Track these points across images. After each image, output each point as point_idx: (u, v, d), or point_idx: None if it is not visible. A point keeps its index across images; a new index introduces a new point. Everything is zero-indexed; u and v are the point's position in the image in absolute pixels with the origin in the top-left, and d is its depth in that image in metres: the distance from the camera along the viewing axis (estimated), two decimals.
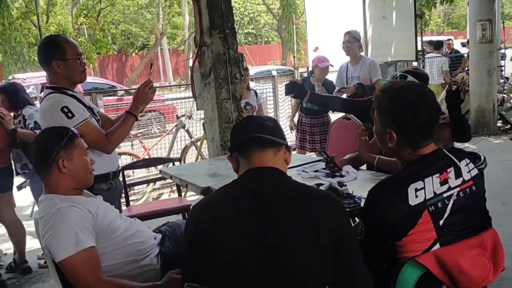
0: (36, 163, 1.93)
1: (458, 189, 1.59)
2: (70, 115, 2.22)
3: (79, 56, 2.38)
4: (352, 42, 4.79)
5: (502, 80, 8.19)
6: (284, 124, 7.04)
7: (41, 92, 4.08)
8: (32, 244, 4.04)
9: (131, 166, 4.24)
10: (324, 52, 6.77)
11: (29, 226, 4.13)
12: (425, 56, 8.23)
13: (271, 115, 6.85)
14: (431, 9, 9.34)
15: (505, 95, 7.65)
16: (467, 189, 1.61)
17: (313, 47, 6.72)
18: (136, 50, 26.35)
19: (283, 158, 1.50)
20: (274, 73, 12.62)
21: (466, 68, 8.68)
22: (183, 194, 4.22)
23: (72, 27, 19.87)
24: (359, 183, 2.44)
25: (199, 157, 5.32)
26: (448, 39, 10.56)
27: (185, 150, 5.84)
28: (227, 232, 1.35)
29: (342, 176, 2.51)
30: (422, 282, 1.54)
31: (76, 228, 1.77)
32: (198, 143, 5.69)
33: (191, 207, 1.53)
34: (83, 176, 1.95)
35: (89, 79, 12.16)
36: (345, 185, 2.27)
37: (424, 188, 1.55)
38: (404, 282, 1.57)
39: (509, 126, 7.57)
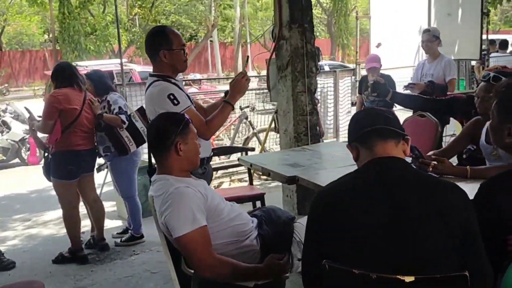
0: (155, 145, 2.07)
1: None
2: (176, 102, 2.36)
3: (183, 47, 2.51)
4: (432, 41, 4.72)
5: None
6: (344, 119, 7.06)
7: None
8: (107, 223, 4.28)
9: None
10: (386, 49, 6.75)
11: None
12: (491, 56, 7.99)
13: (331, 110, 6.87)
14: (497, 7, 9.05)
15: None
16: None
17: (375, 43, 6.68)
18: (185, 41, 26.78)
19: (402, 149, 1.56)
20: (326, 68, 12.62)
21: None
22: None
23: (127, 17, 20.42)
24: None
25: (263, 149, 5.43)
26: None
27: (246, 141, 5.97)
28: (357, 215, 1.43)
29: None
30: None
31: (193, 207, 1.90)
32: (260, 135, 5.80)
33: (318, 192, 1.61)
34: (195, 158, 2.09)
35: (144, 68, 12.56)
36: None
37: None
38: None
39: None
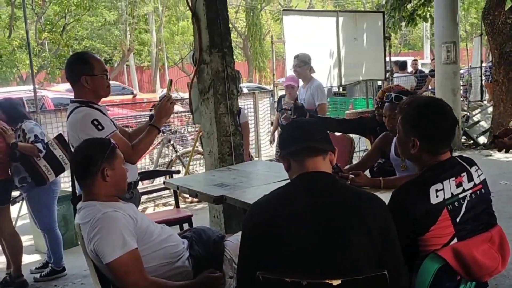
0: (80, 171, 2.04)
1: (470, 191, 1.83)
2: (100, 127, 2.34)
3: (105, 72, 2.50)
4: (301, 66, 4.88)
5: (461, 99, 8.77)
6: (264, 139, 7.27)
7: None
8: (24, 258, 4.02)
9: None
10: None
11: None
12: (394, 76, 8.70)
13: (252, 131, 7.05)
14: (397, 32, 9.91)
15: (468, 113, 8.19)
16: (478, 192, 1.85)
17: (290, 66, 6.99)
18: None
19: (329, 159, 1.69)
20: (245, 90, 12.92)
21: (430, 87, 9.22)
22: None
23: (35, 41, 19.44)
24: None
25: (187, 171, 5.43)
26: (414, 60, 11.20)
27: (170, 164, 5.94)
28: (288, 226, 1.53)
29: None
30: (440, 273, 1.75)
31: (122, 230, 1.89)
32: (183, 158, 5.80)
33: (251, 206, 1.68)
34: (122, 184, 2.08)
35: (56, 94, 12.01)
36: None
37: (443, 189, 1.79)
38: (424, 273, 1.78)
39: (472, 141, 8.10)
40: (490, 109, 8.25)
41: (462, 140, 8.04)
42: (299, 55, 4.99)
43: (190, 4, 3.89)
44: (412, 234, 1.79)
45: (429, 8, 9.20)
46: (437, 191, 1.78)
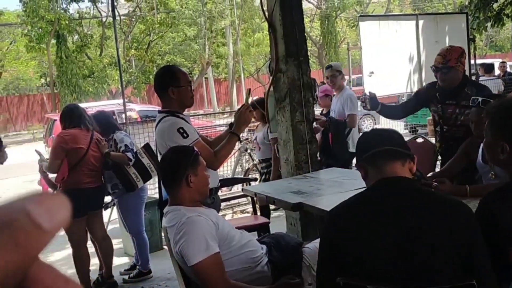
0: (167, 177, 2.18)
1: None
2: (185, 135, 2.48)
3: (189, 84, 2.66)
4: (336, 76, 4.79)
5: None
6: None
7: None
8: (114, 260, 4.32)
9: None
10: (378, 77, 6.96)
11: None
12: (479, 79, 8.23)
13: None
14: (482, 33, 9.37)
15: None
16: None
17: (368, 72, 6.88)
18: None
19: (408, 167, 1.66)
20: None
21: None
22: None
23: (123, 58, 20.85)
24: None
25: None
26: (502, 62, 10.49)
27: (247, 172, 6.07)
28: (370, 232, 1.52)
29: None
30: None
31: (206, 235, 1.99)
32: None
33: (329, 211, 1.70)
34: (205, 189, 2.19)
35: (143, 107, 12.76)
36: None
37: None
38: None
39: None
40: None
41: None
42: (333, 65, 4.93)
43: (267, 15, 4.00)
44: (502, 244, 1.70)
45: None
46: None
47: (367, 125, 12.44)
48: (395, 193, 1.58)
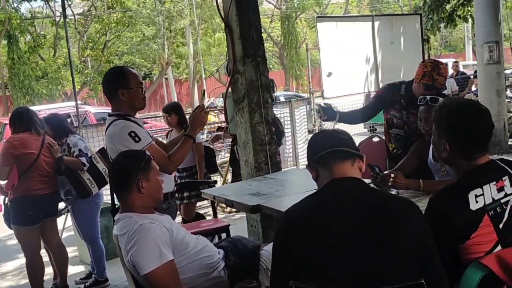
0: (117, 183, 2.10)
1: None
2: (137, 139, 2.40)
3: (141, 85, 2.57)
4: None
5: (507, 100, 8.42)
6: (302, 147, 7.24)
7: None
8: (69, 269, 4.16)
9: None
10: (337, 77, 7.06)
11: None
12: None
13: (289, 139, 7.05)
14: (436, 33, 9.67)
15: None
16: None
17: (326, 73, 6.97)
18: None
19: (357, 167, 1.67)
20: (282, 98, 12.93)
21: (474, 89, 8.91)
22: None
23: (79, 59, 20.27)
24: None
25: (225, 181, 5.47)
26: (455, 62, 10.86)
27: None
28: (321, 234, 1.50)
29: None
30: (485, 283, 1.67)
31: (159, 242, 1.93)
32: (221, 168, 5.85)
33: (282, 214, 1.68)
34: (158, 195, 2.12)
35: (98, 109, 12.44)
36: None
37: (483, 194, 1.71)
38: (467, 283, 1.70)
39: None
40: None
41: (510, 143, 7.71)
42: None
43: (223, 16, 3.95)
44: (453, 242, 1.73)
45: (469, 8, 8.93)
46: (476, 196, 1.71)
47: (327, 124, 12.53)
48: (345, 194, 1.58)
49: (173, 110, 4.62)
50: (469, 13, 9.01)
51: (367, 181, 2.64)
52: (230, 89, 4.02)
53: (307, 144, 1.77)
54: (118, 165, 2.11)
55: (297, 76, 26.39)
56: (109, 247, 4.27)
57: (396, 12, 28.83)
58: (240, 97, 3.95)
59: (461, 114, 1.79)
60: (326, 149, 1.63)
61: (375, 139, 3.94)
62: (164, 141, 3.02)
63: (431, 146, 2.86)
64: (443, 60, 13.69)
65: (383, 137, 3.99)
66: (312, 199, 1.63)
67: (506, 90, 8.67)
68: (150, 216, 2.06)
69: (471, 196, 1.71)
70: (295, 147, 7.08)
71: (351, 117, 3.54)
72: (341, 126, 4.67)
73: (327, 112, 3.34)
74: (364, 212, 1.53)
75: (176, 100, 24.06)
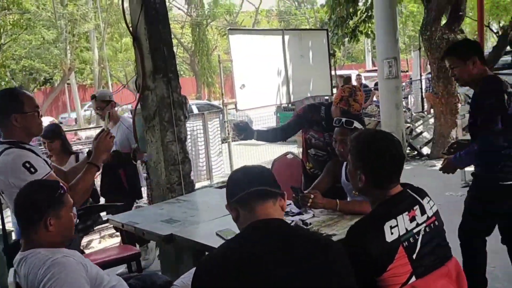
0: (21, 217, 1.86)
1: (424, 224, 1.80)
2: (32, 170, 2.14)
3: (37, 109, 2.31)
4: (103, 108, 4.30)
5: (404, 110, 9.05)
6: (216, 160, 7.14)
7: None
8: None
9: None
10: (250, 89, 7.06)
11: None
12: None
13: (202, 152, 6.91)
14: (341, 48, 10.13)
15: (411, 125, 8.45)
16: (431, 224, 1.82)
17: (239, 84, 6.94)
18: (39, 86, 25.04)
19: (280, 205, 1.60)
20: (194, 107, 12.76)
21: (375, 99, 9.44)
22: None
23: None
24: (321, 221, 2.59)
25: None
26: (358, 75, 11.48)
27: None
28: (244, 284, 1.41)
29: (302, 214, 2.65)
30: None
31: (78, 277, 1.73)
32: None
33: (198, 264, 1.54)
34: (68, 232, 1.92)
35: None
36: (310, 224, 2.41)
37: (397, 225, 1.74)
38: None
39: (416, 152, 8.35)
40: (431, 120, 8.55)
41: (407, 151, 8.27)
42: (97, 95, 4.45)
43: (131, 29, 3.74)
44: (370, 275, 1.73)
45: (369, 25, 9.47)
46: (391, 227, 1.73)
47: None
48: (268, 239, 1.50)
49: (55, 135, 4.01)
50: (370, 29, 9.57)
51: (289, 203, 2.64)
52: (139, 106, 3.82)
53: (226, 182, 1.67)
54: (24, 198, 1.85)
55: (209, 84, 26.31)
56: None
57: (303, 24, 30.02)
58: (150, 114, 3.76)
59: (375, 146, 1.82)
60: (247, 189, 1.55)
61: (289, 156, 3.96)
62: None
63: (344, 166, 2.93)
64: (347, 72, 14.42)
65: (297, 155, 4.05)
66: (231, 246, 1.53)
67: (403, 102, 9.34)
68: (61, 250, 1.85)
69: (387, 227, 1.72)
70: (209, 160, 6.96)
71: (270, 136, 3.52)
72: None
73: (244, 132, 3.28)
74: (287, 257, 1.46)
75: (79, 106, 22.80)
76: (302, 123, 3.34)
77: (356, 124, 2.75)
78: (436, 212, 1.87)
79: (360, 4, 9.48)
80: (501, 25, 11.04)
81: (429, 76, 9.74)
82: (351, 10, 9.18)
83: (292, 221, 2.50)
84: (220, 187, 6.61)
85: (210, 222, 2.80)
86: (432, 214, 1.84)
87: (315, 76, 7.97)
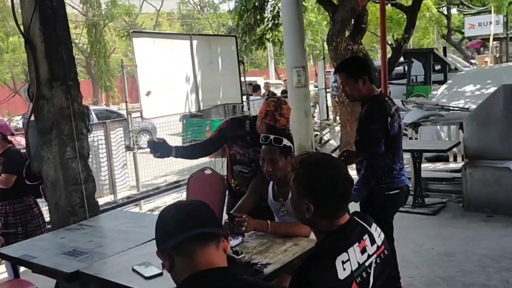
0: None
1: (375, 256, 1.65)
2: None
3: None
4: None
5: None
6: (120, 173, 6.61)
7: None
8: None
9: None
10: (156, 97, 6.65)
11: None
12: (249, 99, 8.76)
13: (105, 165, 6.34)
14: (248, 55, 10.07)
15: (319, 133, 8.62)
16: (381, 254, 1.68)
17: (145, 91, 6.50)
18: None
19: (222, 248, 1.34)
20: (93, 115, 11.85)
21: None
22: None
23: None
24: (251, 247, 2.36)
25: None
26: (266, 82, 11.51)
27: None
28: None
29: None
30: None
31: None
32: None
33: None
34: None
35: None
36: (242, 254, 2.17)
37: (349, 259, 1.57)
38: None
39: None
40: (337, 128, 8.82)
41: None
42: None
43: (22, 30, 3.22)
44: None
45: (276, 33, 9.53)
46: (343, 263, 1.55)
47: (144, 141, 11.82)
48: None
49: None
50: (277, 37, 9.62)
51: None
52: (32, 118, 3.30)
53: (156, 223, 1.35)
54: None
55: (107, 87, 24.89)
56: None
57: (206, 28, 29.84)
58: (46, 127, 3.27)
59: (322, 172, 1.64)
60: (183, 233, 1.26)
61: (208, 172, 3.68)
62: None
63: (270, 185, 2.74)
64: (253, 79, 14.52)
65: (215, 170, 3.78)
66: None
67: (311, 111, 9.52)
68: None
69: (338, 263, 1.54)
70: (112, 173, 6.39)
71: (189, 153, 3.20)
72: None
73: (160, 149, 2.93)
74: None
75: None
76: (225, 138, 3.09)
77: (285, 141, 2.58)
78: (385, 240, 1.74)
79: (267, 12, 9.50)
80: (394, 38, 11.71)
81: (335, 84, 10.04)
82: (258, 17, 9.15)
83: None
84: (125, 204, 6.06)
85: (123, 254, 2.43)
86: (381, 243, 1.70)
87: (225, 84, 7.80)
